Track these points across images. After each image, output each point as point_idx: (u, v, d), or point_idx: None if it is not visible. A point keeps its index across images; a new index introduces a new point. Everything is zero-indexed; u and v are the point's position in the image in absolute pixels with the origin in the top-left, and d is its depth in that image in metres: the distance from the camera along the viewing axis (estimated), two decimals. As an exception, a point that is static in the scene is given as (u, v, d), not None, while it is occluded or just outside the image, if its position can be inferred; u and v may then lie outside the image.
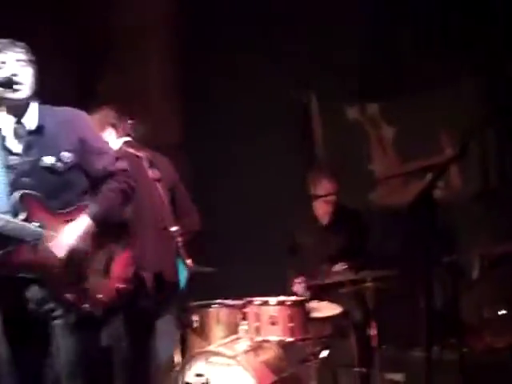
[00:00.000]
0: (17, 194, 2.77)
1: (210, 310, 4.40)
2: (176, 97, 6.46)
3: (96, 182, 2.96)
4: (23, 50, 2.89)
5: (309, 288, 4.61)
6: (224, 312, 4.37)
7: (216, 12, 5.81)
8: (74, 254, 2.80)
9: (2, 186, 2.80)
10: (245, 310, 4.24)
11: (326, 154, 5.80)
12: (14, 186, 2.80)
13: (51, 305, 2.81)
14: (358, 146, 5.68)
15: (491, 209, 4.91)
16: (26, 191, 2.79)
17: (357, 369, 4.06)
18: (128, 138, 3.99)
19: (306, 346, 4.17)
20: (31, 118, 2.91)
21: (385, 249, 4.88)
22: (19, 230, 2.74)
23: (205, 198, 6.00)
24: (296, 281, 4.64)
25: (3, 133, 2.89)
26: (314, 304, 4.35)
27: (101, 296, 2.85)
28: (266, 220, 5.48)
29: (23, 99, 2.86)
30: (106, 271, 2.90)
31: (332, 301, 4.44)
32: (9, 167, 2.83)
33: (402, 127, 5.59)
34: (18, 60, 2.85)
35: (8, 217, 2.74)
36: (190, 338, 4.39)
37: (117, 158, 3.02)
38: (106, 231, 2.91)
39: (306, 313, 4.20)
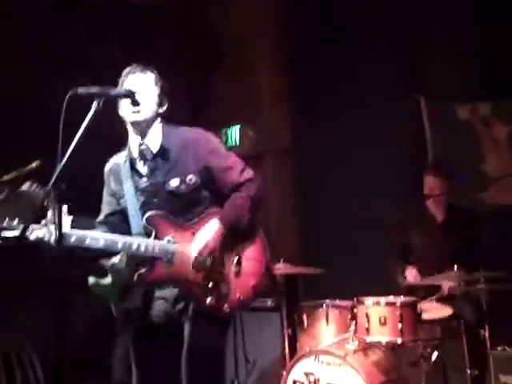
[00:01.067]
0: (145, 215, 2.89)
1: (320, 309, 4.44)
2: (285, 102, 6.56)
3: (224, 195, 3.01)
4: (151, 73, 2.99)
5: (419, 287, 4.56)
6: (334, 312, 4.40)
7: (322, 13, 5.85)
8: (209, 258, 2.87)
9: (134, 209, 2.94)
10: (354, 310, 4.26)
11: (437, 153, 5.70)
12: (144, 207, 2.93)
13: (182, 304, 2.91)
14: (469, 145, 5.55)
15: None
16: (154, 212, 2.89)
17: (469, 371, 3.96)
18: None
19: (415, 348, 4.13)
20: (155, 139, 2.99)
21: (498, 249, 4.74)
22: (152, 250, 2.84)
23: (313, 199, 6.08)
24: (409, 269, 4.61)
25: (133, 154, 3.00)
26: (424, 305, 4.30)
27: (239, 296, 2.90)
28: (376, 220, 5.45)
29: (141, 121, 2.94)
30: (239, 271, 2.94)
31: (443, 302, 4.38)
32: (139, 190, 2.96)
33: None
34: (143, 81, 2.94)
35: (140, 238, 2.86)
36: (299, 337, 4.47)
37: (244, 169, 3.04)
38: (235, 234, 2.96)
39: (417, 314, 4.16)
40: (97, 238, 2.80)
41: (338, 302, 4.47)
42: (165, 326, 2.94)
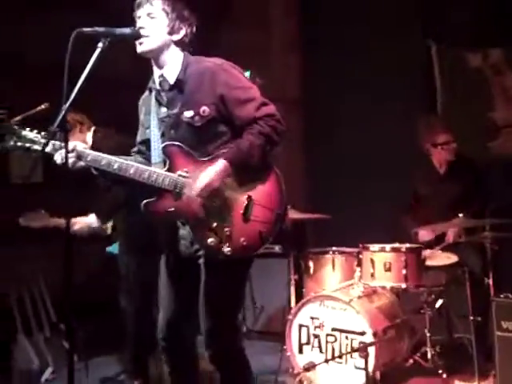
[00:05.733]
0: (162, 145, 2.86)
1: (326, 256, 4.50)
2: (296, 51, 6.51)
3: (241, 130, 2.85)
4: (158, 3, 2.90)
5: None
6: (339, 258, 4.46)
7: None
8: (211, 196, 2.79)
9: (156, 139, 2.90)
10: (360, 256, 4.31)
11: (447, 101, 5.65)
12: (164, 138, 2.90)
13: (198, 245, 2.88)
14: (479, 93, 5.49)
15: None
16: (169, 142, 2.85)
17: (472, 318, 4.01)
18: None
19: (420, 294, 4.18)
20: (173, 69, 2.93)
21: (506, 197, 4.74)
22: (161, 181, 2.80)
23: (321, 149, 6.08)
24: (421, 230, 4.63)
25: (156, 85, 2.96)
26: (429, 252, 4.34)
27: (243, 240, 2.78)
28: (382, 169, 5.46)
29: (147, 52, 2.89)
30: (248, 214, 2.81)
31: (448, 249, 4.41)
32: (160, 119, 2.92)
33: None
34: (148, 14, 2.87)
35: (152, 168, 2.84)
36: (305, 282, 4.52)
37: (263, 104, 2.86)
38: (247, 175, 2.83)
39: (422, 260, 4.21)
40: (111, 160, 2.82)
41: (343, 248, 4.52)
42: (184, 265, 2.94)
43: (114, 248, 4.27)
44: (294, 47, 6.55)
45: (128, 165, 2.83)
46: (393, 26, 5.70)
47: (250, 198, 2.82)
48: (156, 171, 2.83)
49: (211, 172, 2.78)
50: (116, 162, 2.83)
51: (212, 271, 2.87)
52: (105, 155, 2.84)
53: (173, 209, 2.83)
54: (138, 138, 3.08)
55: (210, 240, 2.78)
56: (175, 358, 3.02)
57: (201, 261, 2.89)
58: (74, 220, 4.04)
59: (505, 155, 5.28)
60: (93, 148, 3.04)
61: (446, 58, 5.66)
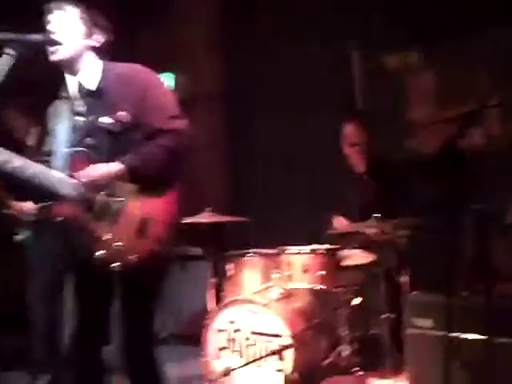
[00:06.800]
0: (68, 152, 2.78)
1: (245, 258, 4.48)
2: (218, 49, 6.51)
3: (151, 138, 2.83)
4: (72, 8, 2.84)
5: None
6: (258, 261, 4.45)
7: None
8: (95, 191, 2.73)
9: (64, 146, 2.82)
10: (278, 258, 4.32)
11: (365, 103, 5.74)
12: (77, 146, 2.82)
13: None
14: (396, 94, 5.59)
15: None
16: (75, 149, 2.79)
17: (386, 315, 4.09)
18: None
19: (337, 294, 4.22)
20: (91, 77, 2.87)
21: (420, 197, 4.84)
22: (55, 184, 2.71)
23: (243, 146, 6.10)
24: (337, 217, 4.68)
25: (71, 93, 2.90)
26: (346, 252, 4.39)
27: (134, 257, 2.70)
28: (304, 170, 5.51)
29: (61, 61, 2.82)
30: (144, 231, 2.74)
31: (365, 249, 4.47)
32: (73, 128, 2.84)
33: (443, 74, 5.46)
34: (62, 19, 2.81)
35: (47, 170, 2.72)
36: (224, 286, 4.51)
37: (177, 116, 2.87)
38: (146, 189, 2.78)
39: (338, 261, 4.26)
40: (11, 158, 2.66)
41: (262, 250, 4.53)
42: (91, 274, 2.84)
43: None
44: (218, 46, 6.55)
45: (25, 164, 2.69)
46: (314, 29, 5.76)
47: (146, 212, 2.77)
48: (51, 174, 2.73)
49: (101, 168, 2.74)
50: (16, 159, 2.67)
51: (122, 282, 2.82)
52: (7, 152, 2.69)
53: (65, 214, 2.75)
54: (45, 148, 2.98)
55: (99, 253, 2.70)
56: (83, 369, 2.96)
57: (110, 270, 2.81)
58: None
59: (422, 154, 5.39)
60: None
61: (365, 60, 5.74)
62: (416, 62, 5.58)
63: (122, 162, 2.76)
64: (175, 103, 2.92)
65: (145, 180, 2.78)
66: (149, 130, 2.83)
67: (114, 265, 2.69)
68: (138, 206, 2.77)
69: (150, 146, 2.80)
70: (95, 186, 2.74)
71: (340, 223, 4.70)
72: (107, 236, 2.72)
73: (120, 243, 2.72)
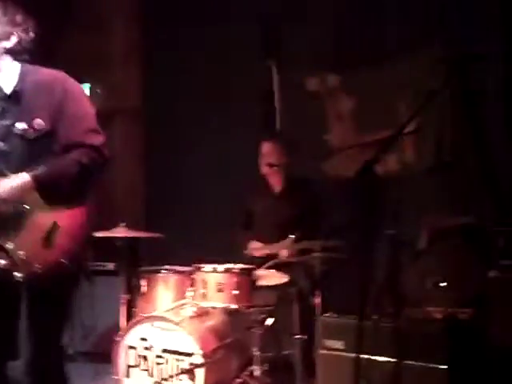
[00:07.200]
0: None
1: (159, 275, 4.44)
2: (136, 61, 6.44)
3: (65, 149, 2.75)
4: None
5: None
6: (172, 278, 4.42)
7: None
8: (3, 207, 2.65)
9: None
10: (193, 276, 4.29)
11: (285, 125, 5.80)
12: None
13: None
14: (315, 117, 5.68)
15: (443, 183, 4.95)
16: None
17: (298, 336, 4.12)
18: None
19: (251, 314, 4.22)
20: (7, 80, 2.78)
21: (335, 219, 4.92)
22: None
23: (158, 161, 6.05)
24: (253, 245, 4.69)
25: None
26: (261, 272, 4.40)
27: (38, 267, 2.63)
28: (221, 188, 5.51)
29: None
30: (50, 241, 2.67)
31: (280, 269, 4.50)
32: None
33: (362, 99, 5.59)
34: None
35: None
36: (137, 302, 4.44)
37: (95, 131, 2.80)
38: (57, 200, 2.70)
39: (253, 281, 4.26)
40: None
41: (176, 267, 4.49)
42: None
43: None
44: (136, 56, 6.48)
45: None
46: (237, 48, 5.78)
47: (55, 223, 2.69)
48: None
49: (8, 183, 2.65)
50: None
51: (28, 293, 2.70)
52: None
53: None
54: None
55: (1, 262, 2.61)
56: None
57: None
58: None
59: (338, 176, 5.49)
60: None
61: (286, 81, 5.81)
62: (336, 86, 5.68)
63: (30, 175, 2.67)
64: (94, 117, 2.85)
65: (53, 192, 2.70)
66: (64, 142, 2.75)
67: (16, 274, 2.60)
68: (46, 216, 2.69)
69: (63, 160, 2.73)
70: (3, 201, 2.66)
71: (255, 248, 4.70)
72: (10, 245, 2.63)
73: (23, 252, 2.63)
